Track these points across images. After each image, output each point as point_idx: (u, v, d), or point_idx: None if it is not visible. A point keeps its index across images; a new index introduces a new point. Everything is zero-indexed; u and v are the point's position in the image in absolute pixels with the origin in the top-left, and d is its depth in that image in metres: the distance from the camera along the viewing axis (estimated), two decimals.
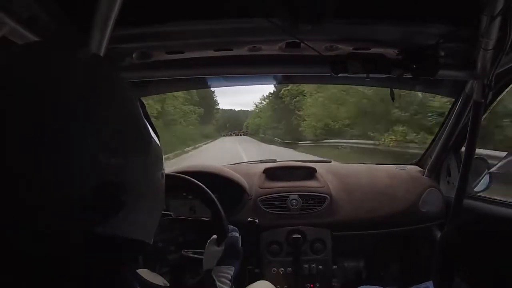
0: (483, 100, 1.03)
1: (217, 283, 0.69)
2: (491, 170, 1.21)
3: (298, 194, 1.33)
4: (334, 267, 1.35)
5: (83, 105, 0.32)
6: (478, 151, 1.13)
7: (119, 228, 0.35)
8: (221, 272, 0.72)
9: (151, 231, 0.41)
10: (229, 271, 0.73)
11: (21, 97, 0.30)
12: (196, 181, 0.93)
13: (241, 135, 32.46)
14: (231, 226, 0.84)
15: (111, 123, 0.34)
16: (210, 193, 0.89)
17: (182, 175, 0.98)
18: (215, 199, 0.87)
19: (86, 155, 0.31)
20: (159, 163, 0.40)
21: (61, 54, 0.35)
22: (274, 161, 1.62)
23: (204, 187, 0.90)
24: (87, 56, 0.37)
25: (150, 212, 0.40)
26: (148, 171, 0.38)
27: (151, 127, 0.40)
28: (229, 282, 0.71)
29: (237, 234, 0.81)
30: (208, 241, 0.80)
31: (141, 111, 0.38)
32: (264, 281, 1.06)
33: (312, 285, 1.29)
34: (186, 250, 0.90)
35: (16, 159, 0.29)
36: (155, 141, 0.40)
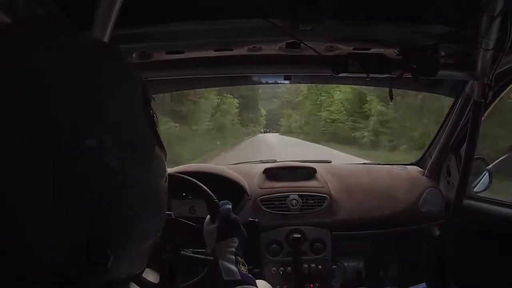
0: (483, 100, 1.03)
1: (220, 261, 0.65)
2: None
3: (298, 194, 1.32)
4: (334, 267, 1.35)
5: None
6: None
7: (110, 276, 0.32)
8: (223, 247, 0.68)
9: (146, 257, 0.38)
10: (232, 243, 0.69)
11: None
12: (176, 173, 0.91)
13: None
14: (222, 201, 0.81)
15: (111, 126, 0.31)
16: (191, 179, 0.88)
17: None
18: (198, 182, 0.86)
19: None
20: (162, 168, 0.37)
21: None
22: (274, 161, 1.62)
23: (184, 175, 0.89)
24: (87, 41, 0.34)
25: (149, 229, 0.37)
26: (151, 180, 0.35)
27: (152, 125, 0.37)
28: (232, 257, 0.66)
29: (229, 206, 0.78)
30: (204, 223, 0.79)
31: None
32: (262, 280, 1.06)
33: (312, 285, 1.29)
34: (185, 250, 0.90)
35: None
36: (157, 144, 0.37)
